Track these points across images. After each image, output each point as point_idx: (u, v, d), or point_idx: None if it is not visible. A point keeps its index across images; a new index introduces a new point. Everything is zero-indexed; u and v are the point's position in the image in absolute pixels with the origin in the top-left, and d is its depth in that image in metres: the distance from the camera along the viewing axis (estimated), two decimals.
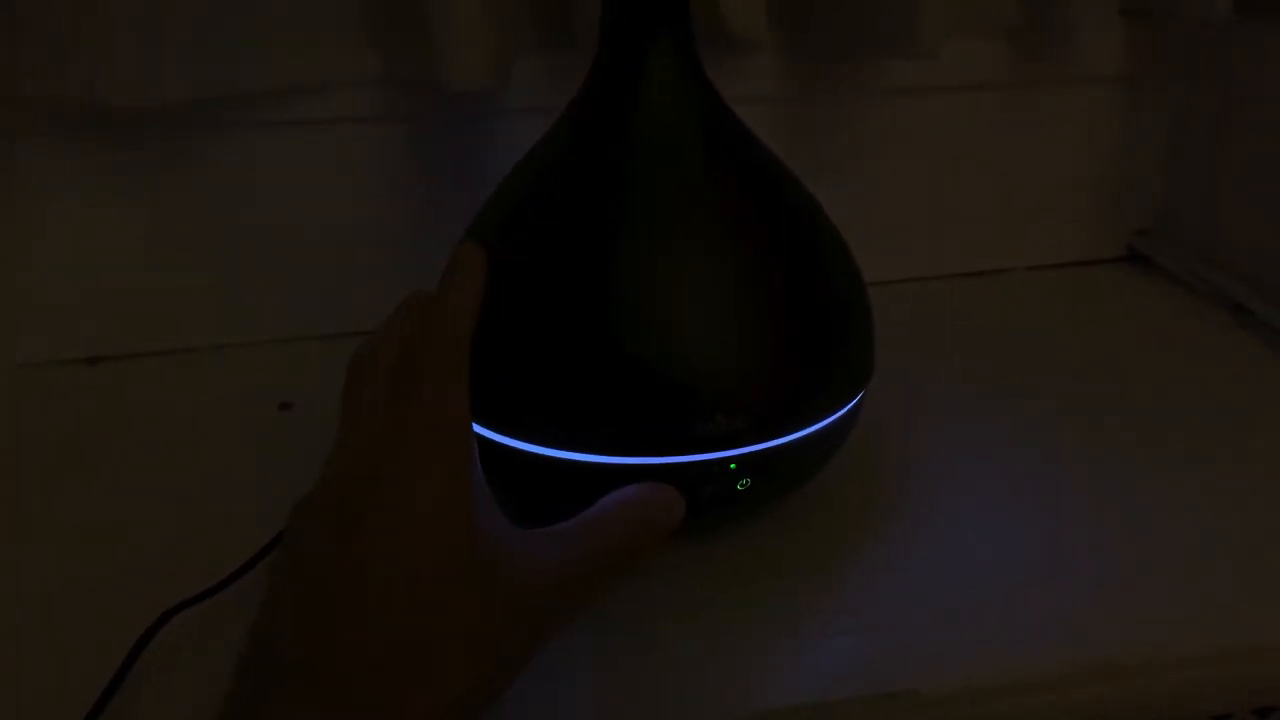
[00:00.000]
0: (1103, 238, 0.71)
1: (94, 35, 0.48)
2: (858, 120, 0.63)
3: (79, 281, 0.57)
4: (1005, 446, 0.50)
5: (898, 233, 0.66)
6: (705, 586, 0.40)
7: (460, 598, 0.29)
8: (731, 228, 0.38)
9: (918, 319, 0.62)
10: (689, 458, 0.36)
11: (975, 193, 0.67)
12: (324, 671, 0.27)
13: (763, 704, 0.35)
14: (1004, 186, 0.67)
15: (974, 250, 0.69)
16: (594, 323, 0.36)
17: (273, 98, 0.55)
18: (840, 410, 0.39)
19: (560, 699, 0.35)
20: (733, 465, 0.37)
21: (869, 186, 0.64)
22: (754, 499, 0.39)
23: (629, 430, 0.36)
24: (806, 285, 0.39)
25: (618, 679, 0.36)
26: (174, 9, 0.49)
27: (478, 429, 0.37)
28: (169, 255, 0.57)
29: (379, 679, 0.27)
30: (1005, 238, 0.69)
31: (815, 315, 0.39)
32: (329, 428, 0.41)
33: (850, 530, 0.44)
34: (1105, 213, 0.71)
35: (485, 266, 0.37)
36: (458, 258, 0.37)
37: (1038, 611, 0.39)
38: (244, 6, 0.52)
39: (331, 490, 0.31)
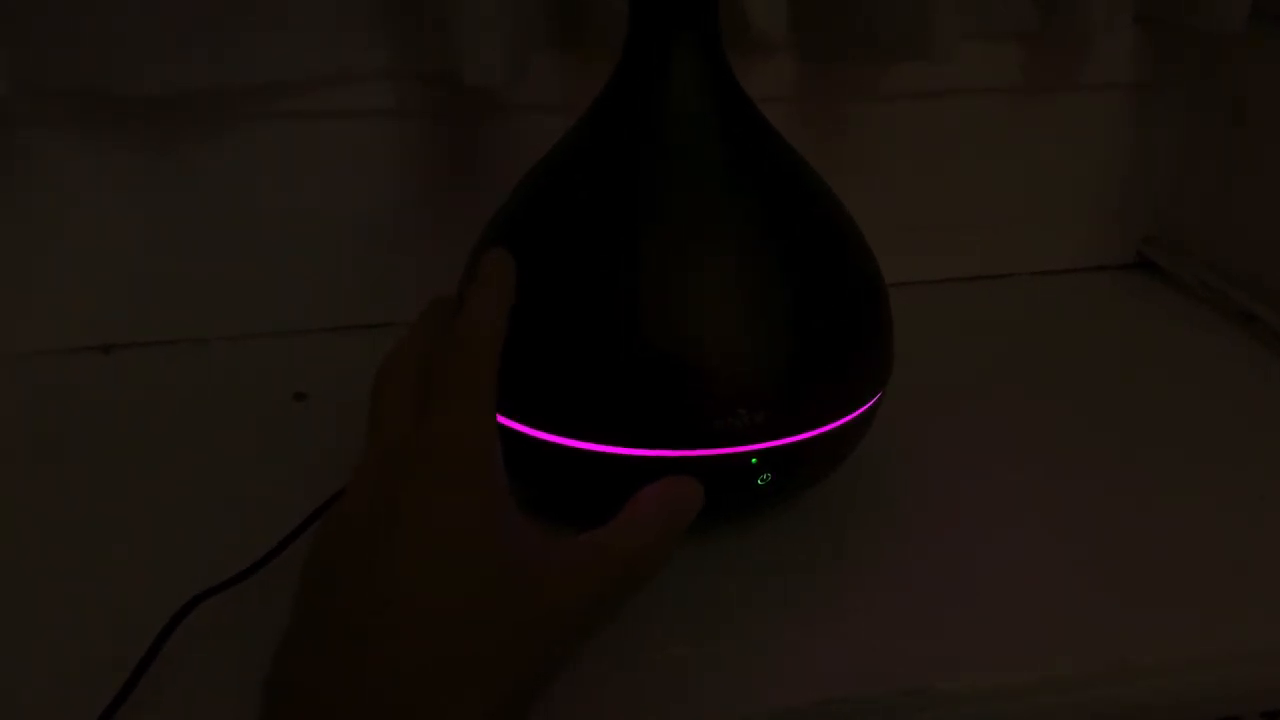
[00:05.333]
0: (1111, 244, 0.72)
1: (108, 23, 0.49)
2: (869, 123, 0.64)
3: (93, 269, 0.57)
4: (1015, 449, 0.50)
5: (907, 235, 0.66)
6: (720, 582, 0.41)
7: (491, 614, 0.29)
8: (757, 225, 0.38)
9: (926, 322, 0.61)
10: (711, 451, 0.36)
11: (985, 196, 0.67)
12: (355, 692, 0.27)
13: (777, 701, 0.35)
14: (1013, 191, 0.68)
15: (981, 254, 0.69)
16: (619, 317, 0.36)
17: (288, 88, 0.55)
18: (861, 408, 0.40)
19: (568, 697, 0.34)
20: (754, 460, 0.37)
21: (879, 189, 0.64)
22: (773, 494, 0.39)
23: (652, 423, 0.36)
24: (831, 283, 0.39)
25: (630, 675, 0.36)
26: None
27: (501, 420, 0.37)
28: (184, 244, 0.57)
29: (410, 696, 0.27)
30: (1013, 242, 0.69)
31: (839, 313, 0.39)
32: (343, 418, 0.42)
33: (866, 528, 0.44)
34: (1114, 219, 0.71)
35: (514, 276, 0.37)
36: (486, 267, 0.37)
37: (1051, 612, 0.39)
38: None
39: (359, 510, 0.31)
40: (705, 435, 0.36)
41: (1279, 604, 0.40)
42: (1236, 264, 0.65)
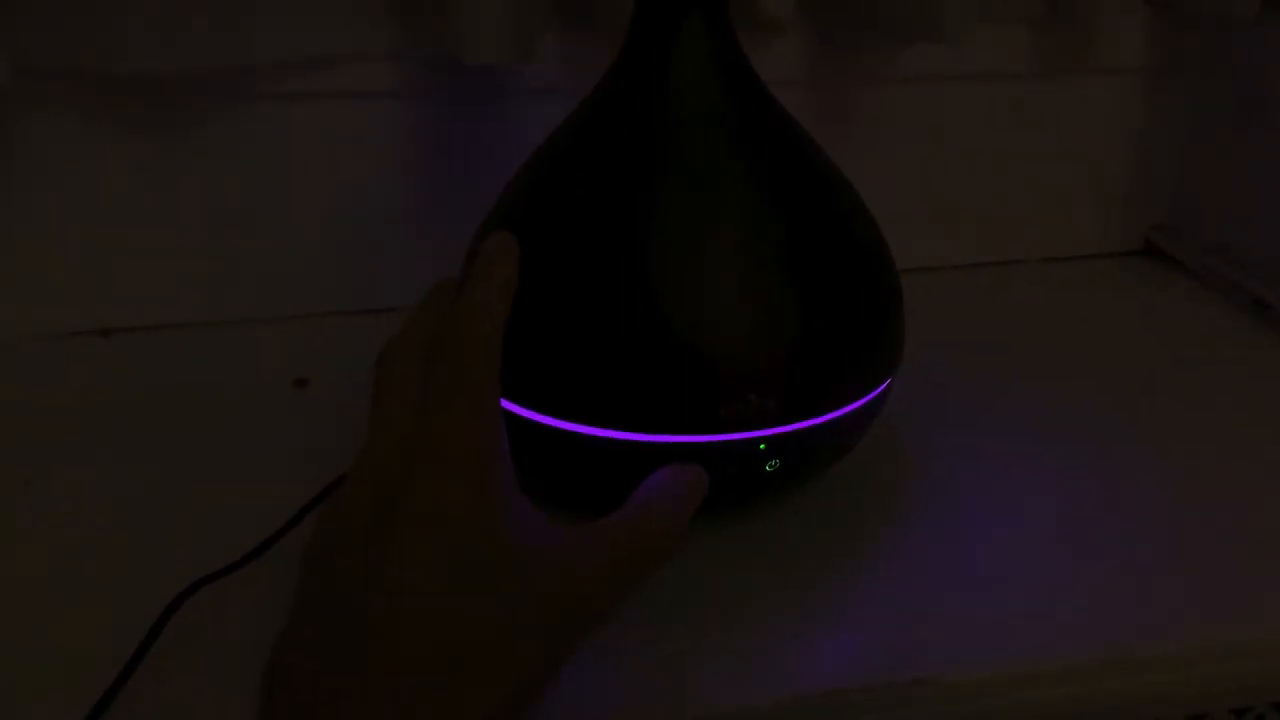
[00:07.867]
0: (1119, 231, 0.71)
1: (107, 6, 0.48)
2: (875, 107, 0.63)
3: (92, 253, 0.57)
4: (1021, 437, 0.50)
5: (912, 221, 0.65)
6: (728, 570, 0.40)
7: (496, 602, 0.28)
8: (766, 210, 0.38)
9: (931, 308, 0.61)
10: (719, 437, 0.36)
11: (991, 182, 0.67)
12: (355, 688, 0.27)
13: (786, 690, 0.35)
14: (1021, 176, 0.67)
15: (988, 240, 0.69)
16: (627, 301, 0.36)
17: (289, 71, 0.54)
18: (871, 394, 0.39)
19: (568, 695, 0.34)
20: (762, 446, 0.37)
21: (885, 173, 0.63)
22: (781, 481, 0.39)
23: (660, 408, 0.36)
24: (841, 268, 0.39)
25: (630, 671, 0.36)
26: None
27: (508, 405, 0.37)
28: (183, 228, 0.57)
29: (411, 695, 0.27)
30: (1021, 228, 0.69)
31: (850, 298, 0.39)
32: (343, 404, 0.41)
33: (873, 516, 0.44)
34: (1122, 205, 0.70)
35: (518, 258, 0.36)
36: (489, 250, 0.37)
37: (1059, 603, 0.39)
38: None
39: (361, 496, 0.30)
40: (714, 421, 0.36)
41: None
42: (1246, 250, 0.65)
